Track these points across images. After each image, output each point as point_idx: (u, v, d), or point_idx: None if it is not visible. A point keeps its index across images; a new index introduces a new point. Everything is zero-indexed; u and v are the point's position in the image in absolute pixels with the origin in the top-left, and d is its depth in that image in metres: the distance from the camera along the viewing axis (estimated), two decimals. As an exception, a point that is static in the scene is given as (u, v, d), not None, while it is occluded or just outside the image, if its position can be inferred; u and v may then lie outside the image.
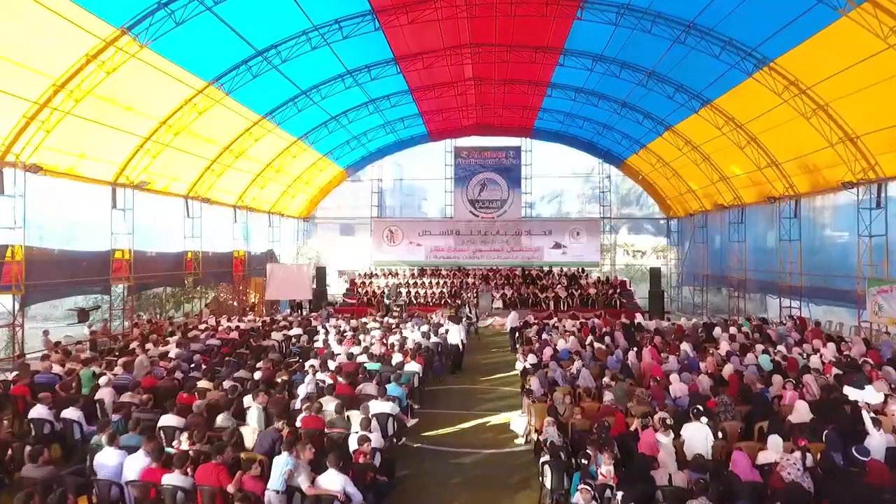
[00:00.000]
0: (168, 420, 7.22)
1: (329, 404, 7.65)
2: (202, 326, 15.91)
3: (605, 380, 9.41)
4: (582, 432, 7.02)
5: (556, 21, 15.23)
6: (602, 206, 28.38)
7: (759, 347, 11.76)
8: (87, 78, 11.36)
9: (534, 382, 8.87)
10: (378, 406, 7.66)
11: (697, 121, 17.96)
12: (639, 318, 17.50)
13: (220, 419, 7.25)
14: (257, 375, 9.30)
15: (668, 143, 20.85)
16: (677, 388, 8.76)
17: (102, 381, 8.70)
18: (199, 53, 13.50)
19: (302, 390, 8.16)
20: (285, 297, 23.23)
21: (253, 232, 23.69)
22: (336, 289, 28.10)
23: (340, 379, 9.11)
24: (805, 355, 11.25)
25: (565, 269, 26.31)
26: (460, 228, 27.66)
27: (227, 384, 9.01)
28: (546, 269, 26.54)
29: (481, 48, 17.43)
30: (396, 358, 11.30)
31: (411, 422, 8.47)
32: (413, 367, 10.50)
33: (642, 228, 36.97)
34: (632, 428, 6.74)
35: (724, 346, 11.97)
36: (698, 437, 6.41)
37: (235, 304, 23.48)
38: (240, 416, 7.58)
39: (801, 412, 7.27)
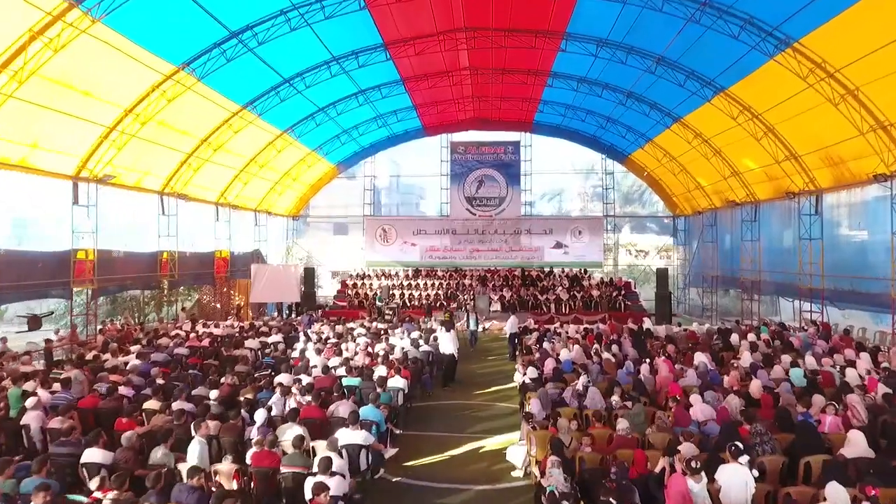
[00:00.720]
0: (92, 455, 5.97)
1: (290, 433, 6.43)
2: (175, 332, 14.70)
3: (615, 398, 8.19)
4: (592, 471, 5.79)
5: (557, 0, 13.99)
6: (605, 204, 27.11)
7: (786, 358, 10.52)
8: (31, 58, 10.09)
9: (534, 404, 7.62)
10: (348, 436, 6.43)
11: (709, 111, 16.71)
12: (647, 322, 16.28)
13: (156, 455, 6.02)
14: (214, 394, 8.03)
15: (677, 136, 19.59)
16: (700, 409, 7.52)
17: (30, 402, 7.45)
18: (166, 34, 12.23)
19: (259, 416, 6.89)
20: (271, 299, 22.03)
21: (238, 231, 22.44)
22: (329, 290, 26.93)
23: (308, 398, 7.87)
24: (838, 368, 10.02)
25: (567, 270, 25.06)
26: (457, 227, 26.41)
27: (178, 405, 7.78)
28: (546, 269, 25.29)
29: (477, 32, 16.16)
30: (380, 371, 10.07)
31: (390, 452, 7.24)
32: (397, 382, 9.26)
33: (645, 227, 35.70)
34: (656, 470, 5.50)
35: (746, 357, 10.72)
36: (737, 482, 5.16)
37: (219, 307, 22.29)
38: (184, 447, 6.34)
39: (856, 445, 6.02)
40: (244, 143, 18.92)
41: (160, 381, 9.41)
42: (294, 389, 8.49)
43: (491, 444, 8.39)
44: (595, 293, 22.45)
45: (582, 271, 24.92)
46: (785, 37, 12.20)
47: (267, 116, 17.95)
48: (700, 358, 10.33)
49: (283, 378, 9.29)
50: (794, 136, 15.18)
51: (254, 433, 6.62)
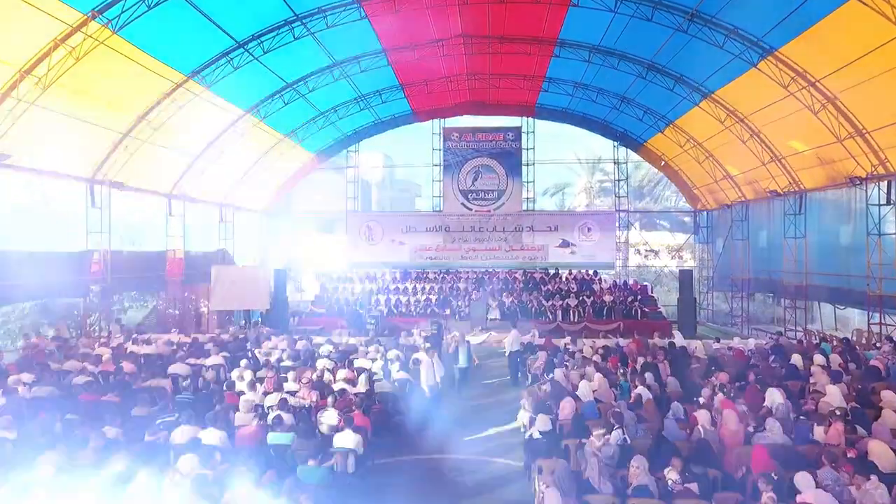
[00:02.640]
0: None
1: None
2: (104, 351, 11.81)
3: (674, 476, 5.30)
4: None
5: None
6: (617, 198, 24.17)
7: (889, 396, 7.62)
8: None
9: (550, 499, 4.69)
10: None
11: (749, 82, 13.86)
12: (678, 337, 13.39)
13: None
14: (45, 471, 5.10)
15: (705, 116, 16.68)
16: (814, 500, 4.65)
17: None
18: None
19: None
20: (234, 306, 19.08)
21: (198, 227, 19.56)
22: (311, 295, 24.05)
23: (184, 475, 4.96)
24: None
25: (574, 272, 22.18)
26: (450, 224, 23.49)
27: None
28: (551, 271, 22.40)
29: (470, -16, 13.33)
30: (329, 417, 7.20)
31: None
32: (346, 440, 6.36)
33: (656, 224, 32.91)
34: None
35: (834, 394, 7.79)
36: None
37: (178, 314, 19.40)
38: None
39: None
40: (198, 124, 16.06)
41: (6, 436, 6.52)
42: (187, 459, 5.57)
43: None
44: (608, 298, 19.59)
45: (592, 273, 22.03)
46: (869, -32, 9.34)
47: (221, 91, 15.09)
48: (776, 397, 7.41)
49: (180, 434, 6.40)
50: (861, 108, 12.30)
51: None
